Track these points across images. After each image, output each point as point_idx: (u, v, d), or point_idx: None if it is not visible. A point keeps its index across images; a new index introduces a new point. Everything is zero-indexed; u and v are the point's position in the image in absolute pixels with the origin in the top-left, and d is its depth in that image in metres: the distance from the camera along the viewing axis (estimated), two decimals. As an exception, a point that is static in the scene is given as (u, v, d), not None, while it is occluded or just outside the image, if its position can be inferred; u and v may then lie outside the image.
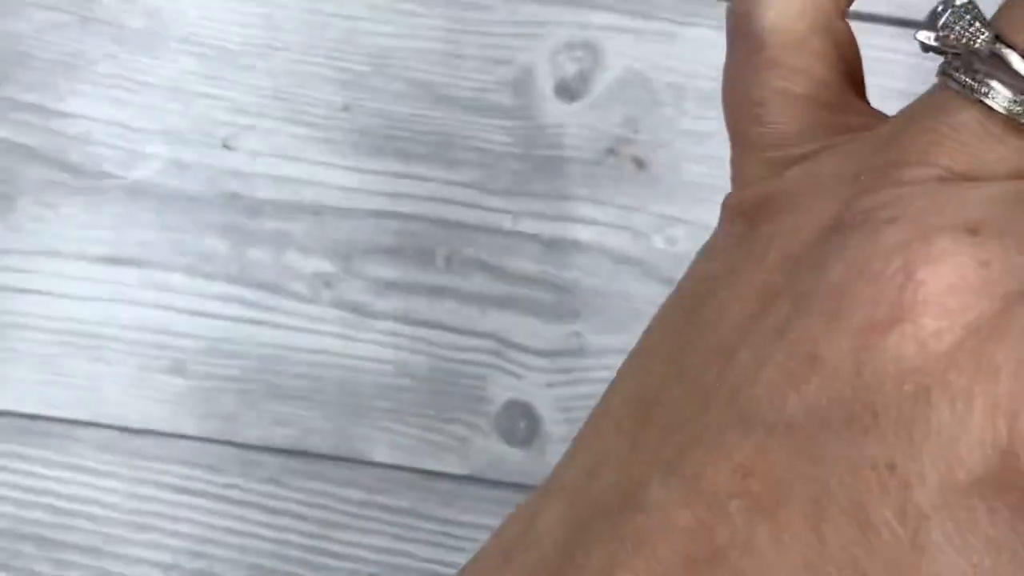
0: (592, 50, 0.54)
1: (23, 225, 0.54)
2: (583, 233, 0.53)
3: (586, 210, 0.53)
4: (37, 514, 0.52)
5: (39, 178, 0.54)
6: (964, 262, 0.14)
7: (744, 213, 0.18)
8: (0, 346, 0.53)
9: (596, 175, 0.54)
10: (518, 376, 0.53)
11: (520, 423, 0.53)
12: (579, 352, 0.53)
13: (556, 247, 0.53)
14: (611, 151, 0.54)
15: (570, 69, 0.54)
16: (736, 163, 0.19)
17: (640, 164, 0.54)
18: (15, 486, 0.53)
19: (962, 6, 0.17)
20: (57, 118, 0.54)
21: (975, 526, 0.14)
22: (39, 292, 0.54)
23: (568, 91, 0.54)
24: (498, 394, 0.53)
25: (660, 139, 0.54)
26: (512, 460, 0.52)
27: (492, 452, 0.53)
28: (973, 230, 0.15)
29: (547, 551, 0.17)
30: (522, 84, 0.54)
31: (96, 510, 0.52)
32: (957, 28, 0.16)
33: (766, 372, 0.16)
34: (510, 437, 0.53)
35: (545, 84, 0.54)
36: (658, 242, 0.53)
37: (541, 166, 0.54)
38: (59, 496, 0.53)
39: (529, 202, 0.54)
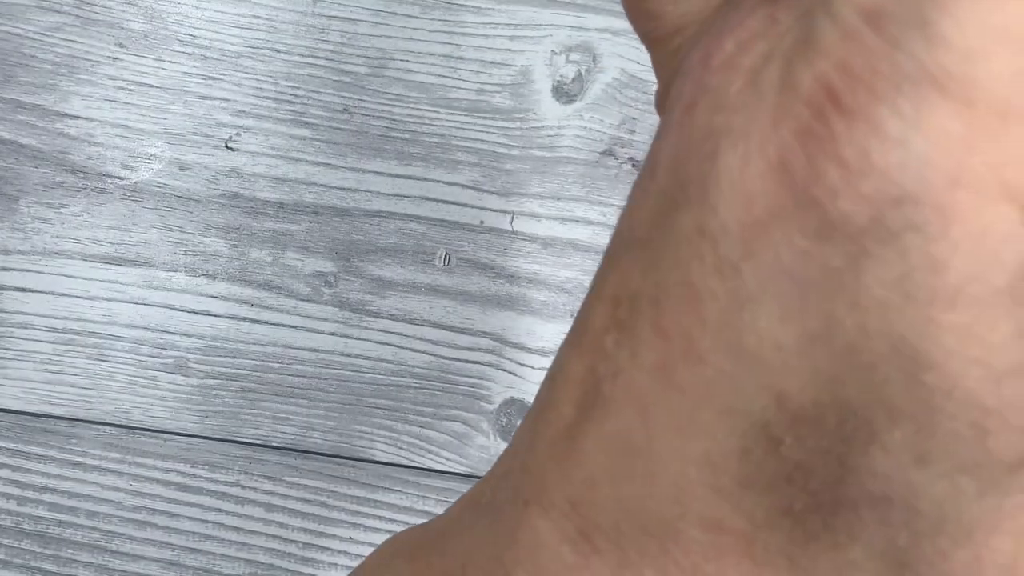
0: (589, 52, 0.54)
1: (26, 225, 0.54)
2: (580, 233, 0.54)
3: (583, 210, 0.54)
4: (39, 511, 0.53)
5: (41, 179, 0.54)
6: (754, 23, 0.14)
7: (660, 106, 0.18)
8: (2, 345, 0.54)
9: (593, 176, 0.54)
10: (516, 375, 0.53)
11: (518, 421, 0.53)
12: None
13: (553, 247, 0.54)
14: (608, 152, 0.54)
15: (568, 71, 0.54)
16: (654, 66, 0.19)
17: (637, 165, 0.54)
18: (17, 484, 0.53)
19: None
20: (59, 119, 0.55)
21: (778, 263, 0.13)
22: (41, 291, 0.54)
23: (565, 93, 0.54)
24: (496, 392, 0.53)
25: (656, 140, 0.54)
26: (510, 458, 0.53)
27: (490, 450, 0.53)
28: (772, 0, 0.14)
29: (517, 439, 0.18)
30: (520, 86, 0.54)
31: (98, 507, 0.53)
32: None
33: (630, 204, 0.16)
34: (508, 435, 0.53)
35: (543, 86, 0.54)
36: (654, 242, 0.53)
37: (539, 167, 0.54)
38: (61, 493, 0.53)
39: (527, 202, 0.54)
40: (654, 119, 0.54)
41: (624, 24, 0.54)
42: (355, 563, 0.52)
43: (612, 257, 0.16)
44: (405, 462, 0.53)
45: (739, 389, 0.14)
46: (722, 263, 0.13)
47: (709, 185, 0.14)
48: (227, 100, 0.55)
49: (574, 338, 0.16)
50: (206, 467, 0.53)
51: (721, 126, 0.14)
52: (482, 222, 0.54)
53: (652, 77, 0.54)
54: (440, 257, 0.54)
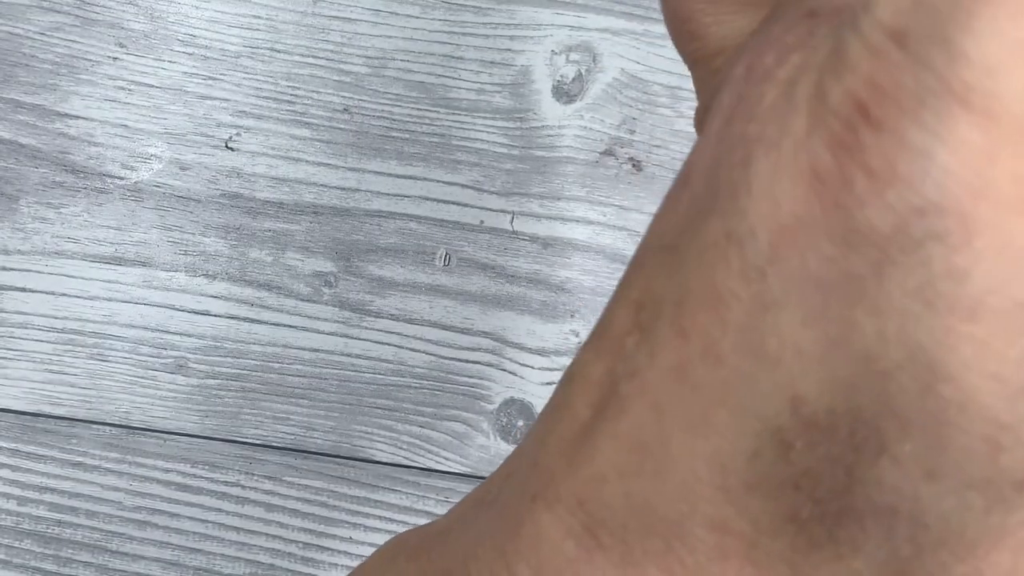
0: (589, 52, 0.54)
1: (26, 225, 0.54)
2: (580, 233, 0.54)
3: (583, 210, 0.54)
4: (39, 511, 0.53)
5: (41, 179, 0.54)
6: (792, 37, 0.14)
7: (699, 124, 0.18)
8: (2, 345, 0.54)
9: (593, 176, 0.54)
10: (516, 375, 0.53)
11: (518, 421, 0.53)
12: (576, 351, 0.53)
13: (553, 247, 0.54)
14: (608, 152, 0.54)
15: (568, 71, 0.54)
16: (695, 85, 0.19)
17: (637, 165, 0.54)
18: (17, 484, 0.53)
19: None
20: (59, 119, 0.55)
21: (805, 270, 0.13)
22: (41, 291, 0.54)
23: (566, 93, 0.54)
24: (496, 392, 0.53)
25: (656, 140, 0.54)
26: (510, 458, 0.53)
27: (490, 450, 0.53)
28: (813, 12, 0.14)
29: (528, 438, 0.18)
30: (520, 86, 0.54)
31: (98, 507, 0.53)
32: None
33: (659, 211, 0.16)
34: (508, 435, 0.53)
35: (543, 86, 0.54)
36: (654, 242, 0.53)
37: (539, 167, 0.54)
38: (61, 493, 0.53)
39: (527, 202, 0.54)
40: (654, 119, 0.54)
41: (624, 24, 0.54)
42: (355, 563, 0.52)
43: (639, 262, 0.16)
44: (405, 462, 0.53)
45: (755, 391, 0.14)
46: (748, 267, 0.14)
47: (740, 191, 0.14)
48: (227, 100, 0.55)
49: (594, 341, 0.16)
50: (206, 467, 0.53)
51: (754, 135, 0.14)
52: (482, 222, 0.54)
53: (652, 77, 0.54)
54: (440, 257, 0.54)
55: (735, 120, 0.14)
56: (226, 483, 0.53)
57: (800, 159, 0.13)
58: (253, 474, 0.53)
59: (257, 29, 0.55)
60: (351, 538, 0.53)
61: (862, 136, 0.12)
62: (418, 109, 0.54)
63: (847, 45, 0.13)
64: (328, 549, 0.53)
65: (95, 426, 0.53)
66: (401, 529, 0.52)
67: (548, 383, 0.53)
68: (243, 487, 0.53)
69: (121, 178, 0.54)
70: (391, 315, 0.53)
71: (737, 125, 0.14)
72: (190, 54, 0.55)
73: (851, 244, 0.13)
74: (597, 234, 0.54)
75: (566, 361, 0.53)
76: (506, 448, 0.53)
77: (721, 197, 0.14)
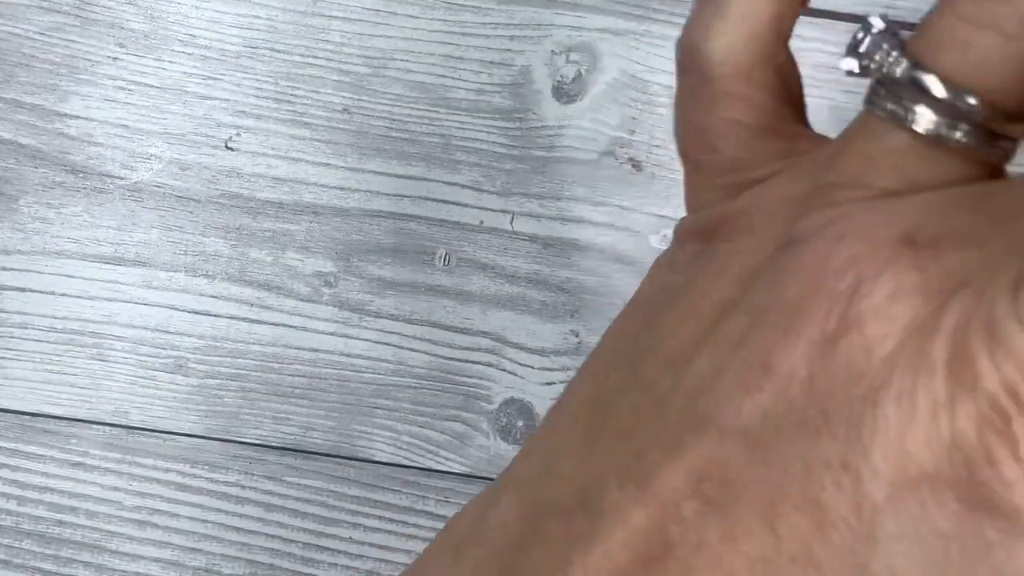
0: (589, 52, 0.54)
1: (25, 225, 0.54)
2: (580, 233, 0.54)
3: (583, 210, 0.54)
4: (39, 511, 0.53)
5: (41, 179, 0.54)
6: (903, 271, 0.15)
7: (700, 233, 0.19)
8: (2, 345, 0.54)
9: (593, 176, 0.54)
10: (516, 375, 0.53)
11: (518, 421, 0.53)
12: (576, 351, 0.53)
13: (554, 247, 0.54)
14: (608, 152, 0.54)
15: (568, 71, 0.54)
16: (690, 187, 0.20)
17: (637, 165, 0.54)
18: (16, 483, 0.53)
19: (880, 33, 0.17)
20: (59, 119, 0.55)
21: (926, 518, 0.14)
22: (41, 291, 0.54)
23: (566, 93, 0.54)
24: (496, 392, 0.53)
25: (656, 140, 0.54)
26: (510, 458, 0.53)
27: (490, 450, 0.53)
28: (910, 239, 0.15)
29: (498, 546, 0.18)
30: (520, 86, 0.54)
31: (98, 507, 0.53)
32: (877, 56, 0.17)
33: (723, 381, 0.16)
34: (508, 435, 0.53)
35: (543, 86, 0.54)
36: (654, 242, 0.53)
37: (539, 167, 0.54)
38: (60, 493, 0.53)
39: (527, 202, 0.54)
40: (654, 119, 0.54)
41: (624, 24, 0.54)
42: (355, 563, 0.52)
43: (696, 427, 0.16)
44: (405, 462, 0.53)
45: None
46: (863, 499, 0.14)
47: (863, 428, 0.15)
48: (227, 100, 0.55)
49: (629, 483, 0.17)
50: (206, 467, 0.53)
51: (879, 377, 0.15)
52: (482, 222, 0.54)
53: (652, 77, 0.54)
54: (440, 257, 0.54)
55: (842, 344, 0.15)
56: (226, 483, 0.53)
57: (941, 425, 0.14)
58: (253, 474, 0.53)
59: (257, 29, 0.55)
60: (351, 538, 0.53)
61: (1015, 427, 0.13)
62: (418, 109, 0.54)
63: (1005, 328, 0.13)
64: (328, 549, 0.53)
65: (95, 426, 0.53)
66: (401, 529, 0.52)
67: (548, 383, 0.53)
68: (243, 487, 0.53)
69: (121, 178, 0.54)
70: (391, 315, 0.53)
71: (851, 352, 0.15)
72: (190, 54, 0.55)
73: (983, 510, 0.14)
74: (597, 234, 0.54)
75: (566, 361, 0.53)
76: (506, 448, 0.53)
77: (835, 424, 0.15)
